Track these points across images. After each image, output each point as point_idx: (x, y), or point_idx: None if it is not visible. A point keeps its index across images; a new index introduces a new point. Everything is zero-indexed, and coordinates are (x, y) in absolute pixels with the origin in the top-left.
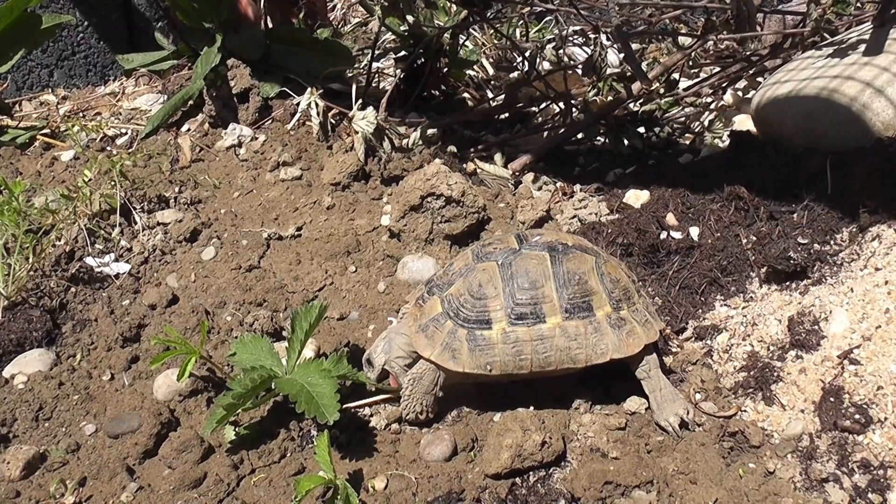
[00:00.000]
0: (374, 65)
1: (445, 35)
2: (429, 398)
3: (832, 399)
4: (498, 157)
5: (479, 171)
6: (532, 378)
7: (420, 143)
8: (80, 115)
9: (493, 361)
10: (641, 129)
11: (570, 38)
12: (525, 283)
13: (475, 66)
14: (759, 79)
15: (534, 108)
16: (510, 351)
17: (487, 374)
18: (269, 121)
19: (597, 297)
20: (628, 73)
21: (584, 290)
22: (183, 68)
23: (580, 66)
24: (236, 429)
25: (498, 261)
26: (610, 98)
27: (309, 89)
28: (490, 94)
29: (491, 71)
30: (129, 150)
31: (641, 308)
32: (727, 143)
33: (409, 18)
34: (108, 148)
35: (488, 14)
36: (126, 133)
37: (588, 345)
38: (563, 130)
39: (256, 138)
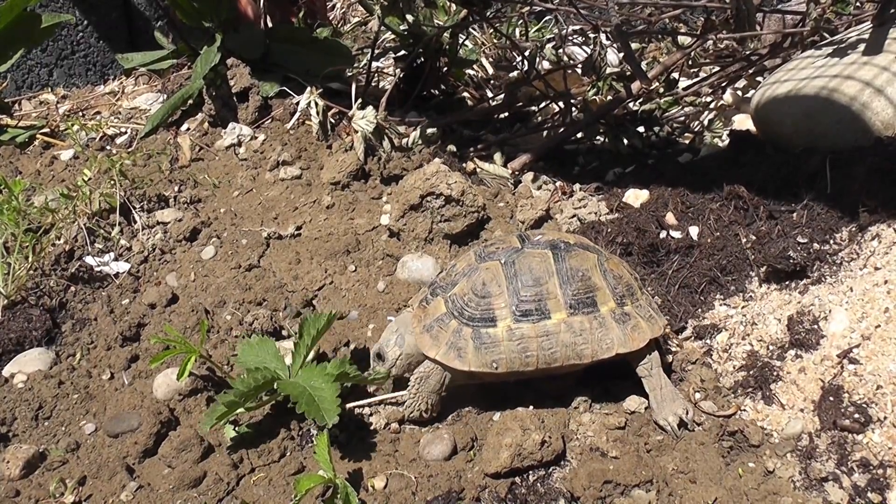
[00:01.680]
0: (374, 64)
1: (445, 34)
2: (434, 397)
3: (831, 398)
4: (497, 156)
5: (478, 170)
6: (538, 375)
7: (420, 142)
8: (80, 114)
9: (499, 359)
10: (641, 129)
11: (570, 38)
12: (529, 280)
13: (475, 66)
14: (759, 78)
15: (533, 108)
16: (516, 348)
17: (494, 372)
18: (269, 120)
19: (600, 292)
20: (628, 73)
21: (587, 287)
22: (182, 67)
23: (580, 66)
24: (236, 428)
25: (501, 259)
26: (609, 97)
27: (308, 88)
28: (490, 94)
29: (490, 70)
30: (129, 150)
31: (645, 304)
32: (727, 142)
33: (409, 18)
34: (108, 147)
35: (488, 13)
36: (126, 132)
37: (593, 340)
38: (562, 130)
39: (256, 137)
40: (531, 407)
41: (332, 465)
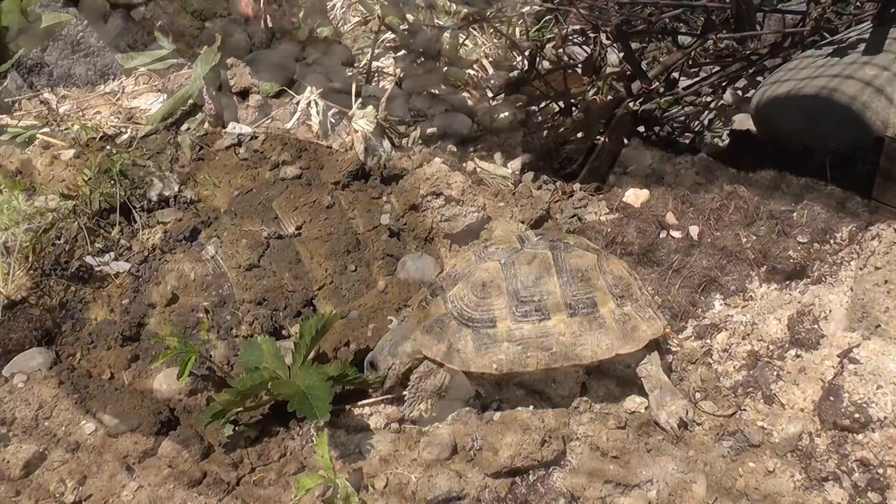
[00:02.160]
0: (374, 64)
1: (445, 34)
2: (434, 397)
3: (832, 398)
4: (498, 156)
5: (478, 170)
6: (537, 376)
7: (420, 142)
8: (80, 113)
9: (499, 360)
10: (641, 129)
11: (570, 38)
12: (528, 280)
13: (475, 65)
14: (759, 78)
15: (533, 108)
16: (515, 348)
17: (493, 373)
18: (269, 120)
19: (600, 293)
20: (628, 72)
21: (587, 287)
22: (182, 67)
23: (580, 66)
24: (236, 427)
25: (500, 260)
26: (610, 97)
27: (309, 88)
28: (490, 94)
29: (491, 70)
30: (129, 149)
31: (644, 304)
32: (727, 142)
33: (409, 17)
34: (108, 147)
35: (488, 13)
36: (126, 132)
37: (593, 340)
38: (562, 130)
39: (256, 137)
40: (531, 407)
41: (333, 464)
